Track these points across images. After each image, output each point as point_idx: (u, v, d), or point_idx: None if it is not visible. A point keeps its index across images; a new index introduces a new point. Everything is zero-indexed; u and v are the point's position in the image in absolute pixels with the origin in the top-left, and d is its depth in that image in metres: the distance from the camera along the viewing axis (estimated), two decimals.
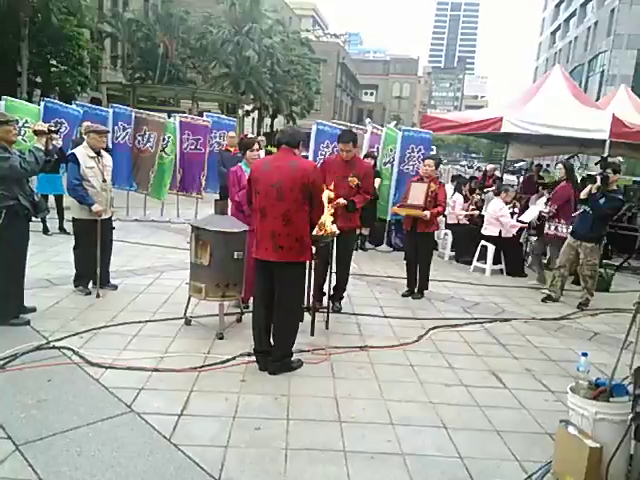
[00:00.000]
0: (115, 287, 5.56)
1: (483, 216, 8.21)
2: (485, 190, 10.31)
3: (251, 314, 4.13)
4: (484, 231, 7.84)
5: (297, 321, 4.02)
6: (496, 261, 7.78)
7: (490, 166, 13.73)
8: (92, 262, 5.25)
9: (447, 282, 7.07)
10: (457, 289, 6.77)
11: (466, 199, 8.90)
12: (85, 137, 5.37)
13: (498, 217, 7.68)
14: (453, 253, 8.64)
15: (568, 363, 4.37)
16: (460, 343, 4.79)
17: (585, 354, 3.00)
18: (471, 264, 7.94)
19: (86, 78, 21.83)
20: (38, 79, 21.48)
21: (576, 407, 2.73)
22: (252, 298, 5.12)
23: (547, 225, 7.02)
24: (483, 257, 7.83)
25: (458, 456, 3.02)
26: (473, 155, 76.43)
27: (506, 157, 12.66)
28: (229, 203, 5.05)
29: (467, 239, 8.25)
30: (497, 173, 12.99)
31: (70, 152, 5.32)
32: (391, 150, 9.00)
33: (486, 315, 5.69)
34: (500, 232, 7.70)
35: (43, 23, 19.82)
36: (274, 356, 3.86)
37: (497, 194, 8.07)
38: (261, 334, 3.89)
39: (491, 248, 7.70)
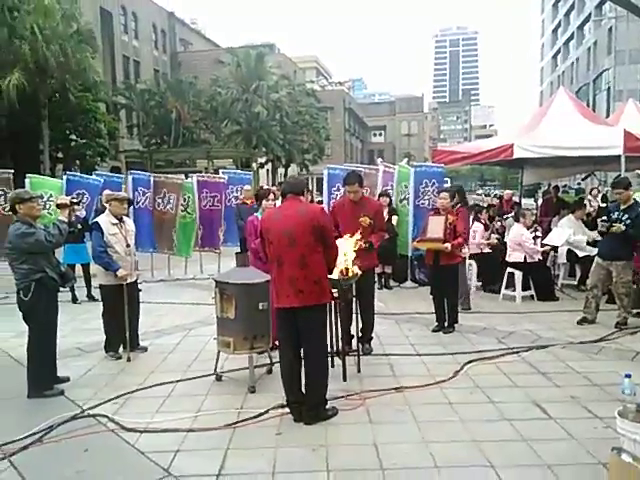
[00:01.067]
0: (145, 349, 5.59)
1: (506, 243, 8.09)
2: (505, 216, 10.23)
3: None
4: (509, 258, 7.72)
5: (326, 365, 3.96)
6: (525, 287, 7.62)
7: (507, 192, 13.64)
8: (121, 326, 5.30)
9: (477, 313, 6.94)
10: (488, 319, 6.63)
11: (486, 227, 8.83)
12: (107, 205, 5.55)
13: (521, 243, 7.58)
14: (480, 283, 8.48)
15: (613, 386, 4.18)
16: (498, 375, 4.65)
17: (629, 375, 2.89)
18: (499, 292, 7.78)
19: (105, 149, 22.73)
20: (59, 154, 22.42)
21: (627, 432, 2.60)
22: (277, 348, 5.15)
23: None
24: (511, 284, 7.68)
25: None
26: (489, 183, 76.12)
27: (522, 182, 12.61)
28: (249, 255, 5.12)
29: (492, 267, 8.13)
30: (515, 199, 12.89)
31: (94, 221, 5.49)
32: (405, 187, 9.04)
33: (522, 344, 5.55)
34: (525, 258, 7.58)
35: (61, 101, 20.86)
36: (308, 405, 3.79)
37: (517, 220, 7.99)
38: (292, 384, 3.85)
39: (518, 275, 7.57)
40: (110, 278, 5.25)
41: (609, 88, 41.11)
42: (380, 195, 8.73)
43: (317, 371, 3.81)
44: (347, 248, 4.33)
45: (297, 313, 3.73)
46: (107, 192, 7.83)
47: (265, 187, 6.00)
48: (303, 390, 3.85)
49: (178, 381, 4.69)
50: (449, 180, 10.68)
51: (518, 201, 12.64)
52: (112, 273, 5.21)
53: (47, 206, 8.53)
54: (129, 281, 5.34)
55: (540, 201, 13.39)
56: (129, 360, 5.28)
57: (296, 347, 3.81)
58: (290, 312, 3.74)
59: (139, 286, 5.75)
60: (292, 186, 3.89)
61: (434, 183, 8.73)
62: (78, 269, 8.21)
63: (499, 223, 9.48)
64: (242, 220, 8.76)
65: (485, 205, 11.23)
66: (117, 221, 5.36)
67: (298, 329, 3.76)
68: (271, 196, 5.27)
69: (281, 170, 42.03)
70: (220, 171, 11.25)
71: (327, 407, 3.87)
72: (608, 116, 16.03)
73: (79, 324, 6.85)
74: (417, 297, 8.06)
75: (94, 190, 9.34)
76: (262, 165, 37.51)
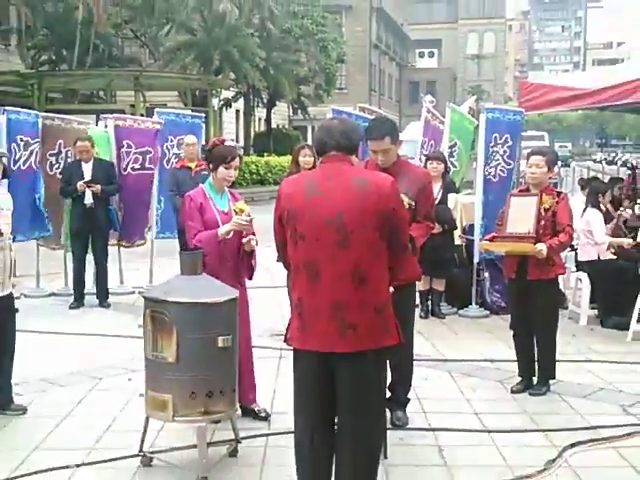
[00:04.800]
0: (23, 410, 5.61)
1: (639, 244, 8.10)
2: None
3: (266, 448, 4.51)
4: None
5: (380, 451, 4.00)
6: None
7: None
8: None
9: (589, 362, 7.01)
10: (608, 373, 6.66)
11: (608, 217, 8.76)
12: None
13: None
14: (595, 312, 8.51)
15: None
16: (622, 469, 4.65)
17: None
18: (628, 328, 7.78)
19: None
20: None
21: None
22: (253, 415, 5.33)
23: None
24: None
25: None
26: (614, 142, 76.08)
27: None
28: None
29: (617, 286, 8.15)
30: None
31: None
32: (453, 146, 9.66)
33: None
34: None
35: None
36: None
37: None
38: None
39: None
40: None
41: None
42: (428, 159, 8.75)
43: (366, 463, 3.79)
44: None
45: (339, 363, 3.70)
46: None
47: (229, 141, 5.75)
48: None
49: (79, 466, 4.69)
50: (546, 136, 10.88)
51: None
52: None
53: None
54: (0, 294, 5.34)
55: None
56: None
57: (327, 418, 3.82)
58: (325, 360, 3.72)
59: (16, 304, 5.75)
60: (339, 136, 3.80)
61: (506, 139, 8.83)
62: None
63: (630, 211, 9.38)
64: (179, 195, 8.81)
65: (607, 180, 11.16)
66: None
67: (336, 391, 3.75)
68: (235, 162, 5.25)
69: (261, 112, 41.79)
70: (156, 111, 11.25)
71: None
72: None
73: None
74: (487, 333, 8.14)
75: None
76: (228, 103, 37.44)
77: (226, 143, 5.44)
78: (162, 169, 10.42)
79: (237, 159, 5.30)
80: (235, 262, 5.22)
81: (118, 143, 10.18)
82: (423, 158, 9.36)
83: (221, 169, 5.23)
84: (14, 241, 5.96)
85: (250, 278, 5.41)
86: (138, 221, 10.35)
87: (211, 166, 5.31)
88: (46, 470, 4.60)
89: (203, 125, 11.51)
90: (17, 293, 6.01)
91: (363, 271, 3.64)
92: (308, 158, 7.14)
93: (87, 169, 9.15)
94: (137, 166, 10.23)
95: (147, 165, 10.27)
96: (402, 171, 5.18)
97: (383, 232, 3.67)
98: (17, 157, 9.91)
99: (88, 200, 9.07)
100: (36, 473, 4.57)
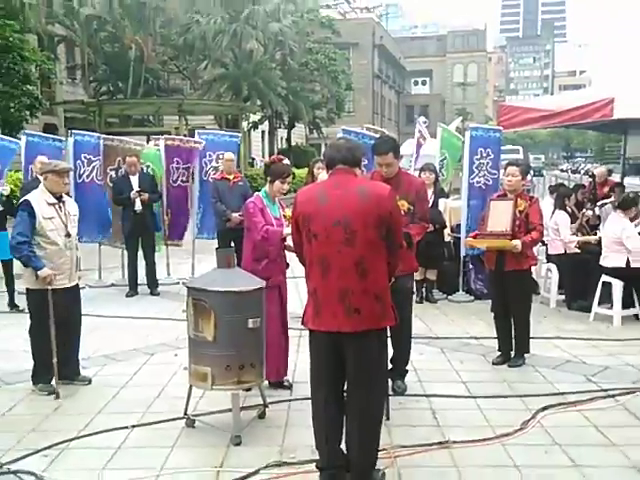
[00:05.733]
0: (88, 381, 5.73)
1: (600, 240, 8.08)
2: (599, 203, 10.19)
3: (289, 412, 4.46)
4: (604, 261, 7.71)
5: (382, 414, 4.02)
6: (627, 303, 7.61)
7: (600, 169, 13.52)
8: (56, 348, 5.37)
9: (558, 339, 7.02)
10: (573, 348, 6.69)
11: (573, 218, 8.78)
12: (41, 179, 5.61)
13: (622, 240, 7.55)
14: (562, 297, 8.53)
15: None
16: (585, 428, 4.69)
17: None
18: (590, 310, 7.81)
19: (35, 99, 22.67)
20: None
21: None
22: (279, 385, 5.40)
23: None
24: (607, 299, 7.67)
25: None
26: (578, 155, 75.82)
27: (625, 153, 12.52)
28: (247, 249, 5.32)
29: (581, 275, 8.17)
30: (614, 177, 12.79)
31: (23, 199, 5.48)
32: (442, 160, 9.82)
33: (620, 384, 5.55)
34: (628, 261, 7.54)
35: None
36: (355, 472, 3.78)
37: (618, 208, 7.95)
38: (330, 443, 3.84)
39: (617, 285, 7.54)
40: (41, 280, 5.29)
41: None
42: (422, 170, 8.86)
43: (371, 424, 3.81)
44: None
45: (345, 341, 3.75)
46: (42, 160, 7.94)
47: (286, 160, 5.85)
48: (344, 448, 3.86)
49: (134, 427, 4.78)
50: (521, 150, 10.99)
51: (619, 181, 12.54)
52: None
53: None
54: (67, 285, 5.44)
55: None
56: (57, 397, 5.38)
57: (338, 387, 3.87)
58: (333, 339, 3.77)
59: (81, 293, 5.85)
60: (345, 152, 3.86)
61: (489, 153, 8.98)
62: None
63: (591, 212, 9.44)
64: (220, 202, 9.08)
65: (572, 186, 11.16)
66: (55, 201, 5.42)
67: (345, 363, 3.79)
68: (290, 179, 5.37)
69: (282, 132, 42.02)
70: (197, 132, 11.29)
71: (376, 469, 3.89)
72: None
73: None
74: (472, 315, 8.18)
75: (6, 157, 9.43)
76: (255, 125, 37.70)
77: (284, 162, 5.54)
78: (201, 181, 10.46)
79: (290, 176, 5.40)
80: (282, 257, 5.38)
81: (168, 160, 10.24)
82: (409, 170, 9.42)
83: (277, 182, 5.35)
84: (80, 242, 6.07)
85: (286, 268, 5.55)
86: (179, 225, 10.44)
87: (269, 179, 5.40)
88: (107, 430, 4.71)
89: (239, 144, 11.59)
90: (82, 284, 6.05)
91: (365, 264, 3.67)
92: (321, 170, 7.16)
93: (134, 181, 9.27)
94: (183, 180, 10.36)
95: (188, 179, 10.37)
96: (402, 180, 5.27)
97: (381, 232, 3.69)
98: (81, 172, 10.07)
99: (138, 207, 9.17)
100: (99, 433, 4.67)
